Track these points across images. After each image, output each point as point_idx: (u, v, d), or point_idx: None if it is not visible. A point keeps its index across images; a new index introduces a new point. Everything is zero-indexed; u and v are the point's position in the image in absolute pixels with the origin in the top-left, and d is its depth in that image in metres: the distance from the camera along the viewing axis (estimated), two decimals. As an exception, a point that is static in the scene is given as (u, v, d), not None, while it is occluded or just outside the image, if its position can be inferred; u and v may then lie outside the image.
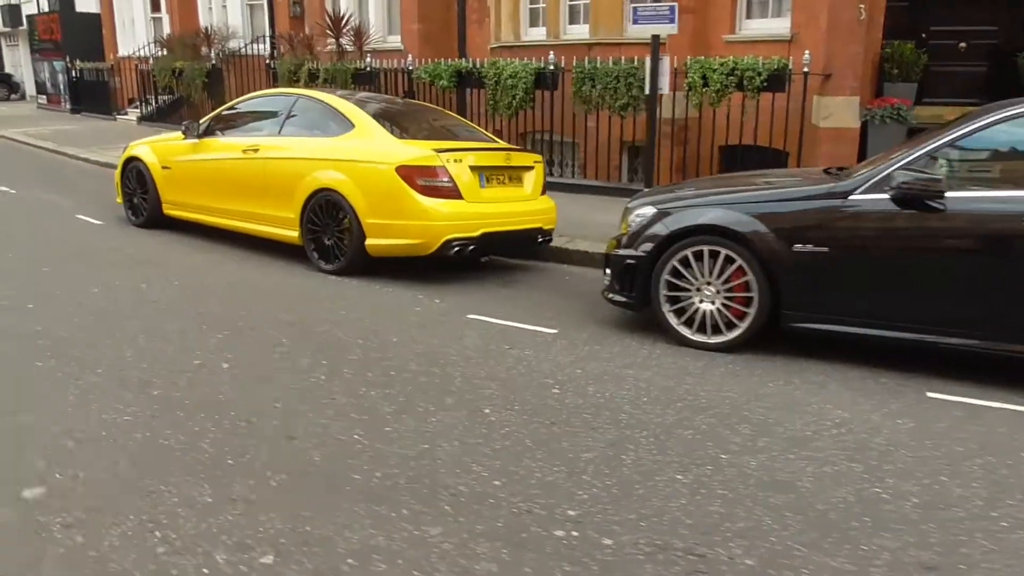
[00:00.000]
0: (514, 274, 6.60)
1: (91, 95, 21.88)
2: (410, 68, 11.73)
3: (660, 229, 4.69)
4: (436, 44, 12.97)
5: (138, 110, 19.55)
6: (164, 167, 7.67)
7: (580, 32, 10.77)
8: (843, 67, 8.21)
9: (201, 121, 7.49)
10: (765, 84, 8.33)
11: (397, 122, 6.56)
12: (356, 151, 6.19)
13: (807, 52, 8.20)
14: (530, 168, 6.62)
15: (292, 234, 6.60)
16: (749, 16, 9.59)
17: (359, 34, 12.97)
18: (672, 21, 6.62)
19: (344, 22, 13.20)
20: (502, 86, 10.11)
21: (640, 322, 5.12)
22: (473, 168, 6.11)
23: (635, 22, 6.78)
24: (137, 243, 7.22)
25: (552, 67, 9.77)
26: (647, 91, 6.92)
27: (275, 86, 14.31)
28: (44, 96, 25.51)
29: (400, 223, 5.97)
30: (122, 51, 22.58)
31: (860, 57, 8.19)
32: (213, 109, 18.73)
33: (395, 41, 13.33)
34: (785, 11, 9.30)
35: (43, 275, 5.93)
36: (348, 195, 6.11)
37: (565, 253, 7.13)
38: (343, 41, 13.28)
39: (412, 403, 3.76)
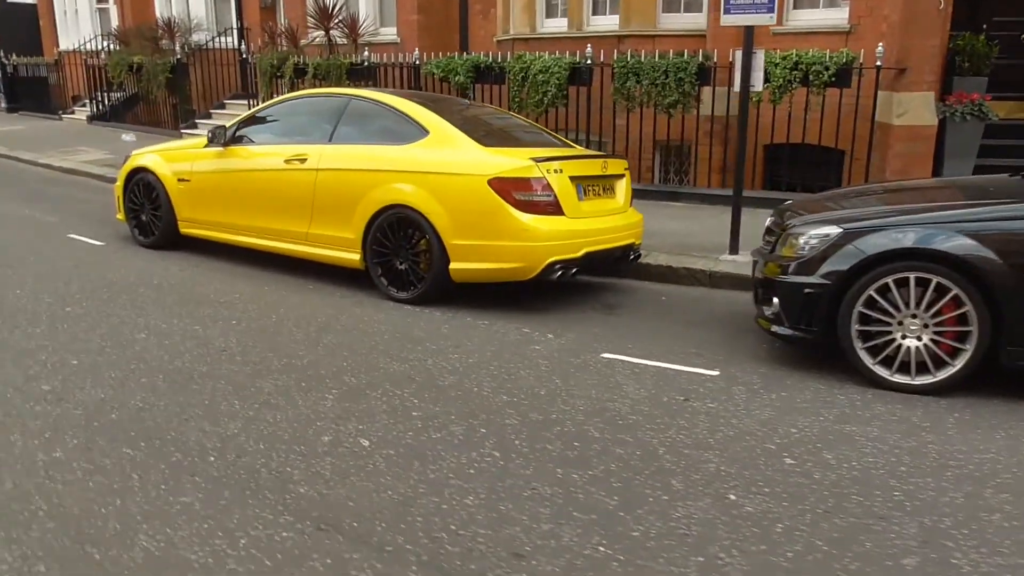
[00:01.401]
0: (601, 296, 5.84)
1: (30, 93, 20.19)
2: (416, 62, 10.82)
3: (851, 253, 4.00)
4: (435, 36, 12.09)
5: (87, 108, 18.02)
6: (181, 179, 6.65)
7: (607, 23, 10.05)
8: (920, 60, 7.68)
9: (228, 126, 6.50)
10: (833, 79, 7.75)
11: (474, 126, 5.71)
12: (436, 161, 5.34)
13: (880, 45, 7.64)
14: (621, 176, 5.87)
15: (351, 257, 5.71)
16: (797, 6, 8.99)
17: (353, 25, 11.97)
18: (771, 11, 5.97)
19: (334, 12, 12.17)
20: (531, 82, 9.31)
21: (810, 358, 4.44)
22: (572, 179, 5.33)
23: (727, 12, 6.11)
24: (159, 269, 6.21)
25: (589, 61, 9.01)
26: (736, 88, 6.27)
27: (253, 81, 13.21)
28: (-27, 94, 23.53)
29: (494, 244, 5.16)
30: (64, 44, 20.89)
31: (937, 50, 7.67)
32: (179, 106, 17.68)
33: (390, 33, 12.37)
34: (840, 1, 8.73)
35: (70, 317, 4.93)
36: (428, 212, 5.27)
37: (644, 268, 6.41)
38: (334, 33, 12.26)
39: (634, 491, 2.99)
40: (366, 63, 11.48)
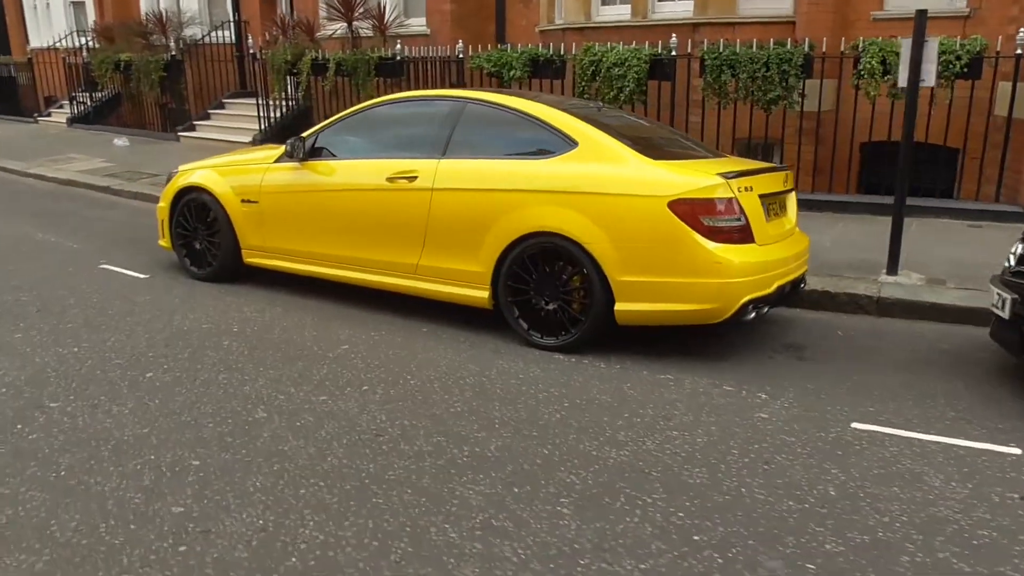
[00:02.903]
0: (768, 334, 4.92)
1: (-1, 95, 18.74)
2: (460, 55, 9.79)
3: None
4: (469, 27, 11.05)
5: (65, 110, 16.62)
6: (245, 200, 5.58)
7: (677, 10, 9.10)
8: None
9: (304, 136, 5.44)
10: (965, 69, 6.92)
11: (623, 134, 4.73)
12: (596, 179, 4.37)
13: (1022, 31, 6.82)
14: (791, 190, 4.96)
15: (477, 294, 4.73)
16: (900, -12, 8.16)
17: (380, 16, 10.88)
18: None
19: (357, 1, 11.05)
20: (603, 76, 8.35)
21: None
22: (760, 197, 4.41)
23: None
24: (231, 311, 5.16)
25: (673, 52, 8.07)
26: (901, 83, 5.41)
27: (263, 79, 12.03)
28: (-66, 96, 21.84)
29: (676, 281, 4.21)
30: (35, 42, 19.44)
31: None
32: (173, 107, 16.28)
33: (418, 24, 11.30)
34: (949, -18, 7.92)
35: (157, 388, 3.88)
36: (586, 242, 4.31)
37: (818, 297, 5.47)
38: (358, 25, 11.16)
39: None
40: (399, 57, 10.41)
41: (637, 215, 4.24)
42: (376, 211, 5.02)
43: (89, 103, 16.11)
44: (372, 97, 10.94)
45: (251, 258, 5.69)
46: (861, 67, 7.24)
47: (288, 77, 11.74)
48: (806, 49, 7.57)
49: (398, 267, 5.02)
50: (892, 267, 5.73)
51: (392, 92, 10.84)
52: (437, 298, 4.95)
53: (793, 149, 8.36)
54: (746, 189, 4.30)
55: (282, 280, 5.71)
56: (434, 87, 10.23)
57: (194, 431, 3.42)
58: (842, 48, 7.54)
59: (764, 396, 3.92)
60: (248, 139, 12.52)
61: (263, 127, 12.38)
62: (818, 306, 5.47)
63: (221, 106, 14.18)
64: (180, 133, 13.80)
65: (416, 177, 4.86)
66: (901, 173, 5.60)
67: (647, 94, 8.28)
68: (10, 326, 4.79)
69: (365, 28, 11.15)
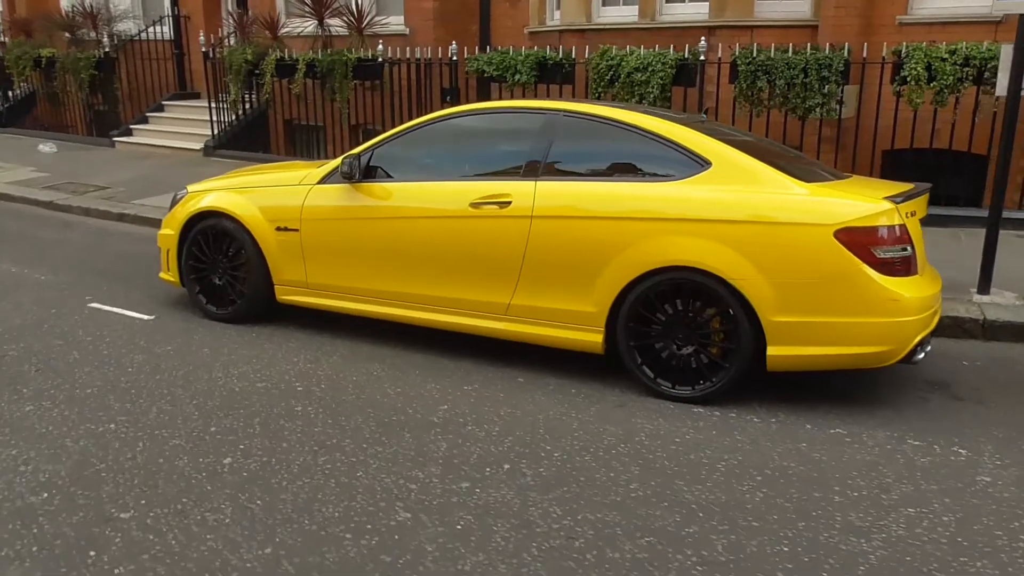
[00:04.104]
0: (894, 368, 4.41)
1: None
2: (453, 57, 9.05)
3: None
4: (451, 27, 10.31)
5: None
6: (281, 228, 4.74)
7: (689, 12, 8.63)
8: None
9: (358, 153, 4.63)
10: None
11: (756, 154, 4.12)
12: (741, 205, 3.77)
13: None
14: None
15: (588, 338, 4.07)
16: (925, -10, 7.91)
17: (359, 14, 9.99)
18: (1067, -5, 4.79)
19: (329, -2, 10.14)
20: (623, 82, 7.78)
21: None
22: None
23: (1005, -6, 4.87)
24: (280, 363, 4.32)
25: (702, 56, 7.57)
26: (999, 92, 5.04)
27: (216, 79, 10.94)
28: None
29: (843, 321, 3.66)
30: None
31: None
32: (103, 109, 14.67)
33: (397, 23, 10.46)
34: (982, -16, 7.70)
35: (245, 481, 3.06)
36: (734, 277, 3.71)
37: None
38: (330, 23, 10.24)
39: None
40: (380, 58, 9.57)
41: (797, 246, 3.67)
42: (456, 242, 4.28)
43: (2, 103, 14.48)
44: (348, 101, 10.16)
45: (288, 295, 4.84)
46: (905, 73, 6.90)
47: (250, 78, 10.70)
48: (845, 55, 7.20)
49: (483, 307, 4.29)
50: (984, 286, 5.37)
51: (372, 96, 10.20)
52: (533, 342, 4.26)
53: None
54: (910, 214, 3.80)
55: (316, 320, 4.90)
56: (422, 93, 9.46)
57: (334, 548, 2.65)
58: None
59: (964, 452, 3.42)
60: (198, 146, 11.41)
61: (216, 132, 11.29)
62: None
63: (160, 108, 12.93)
64: (116, 138, 12.47)
65: (509, 202, 4.15)
66: (998, 183, 5.24)
67: (671, 101, 7.76)
68: (12, 395, 3.84)
69: (338, 26, 10.24)
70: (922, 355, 3.82)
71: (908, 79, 6.91)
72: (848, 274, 3.62)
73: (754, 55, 7.34)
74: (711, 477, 3.18)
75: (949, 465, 3.30)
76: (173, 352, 4.45)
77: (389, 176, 4.59)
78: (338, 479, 3.10)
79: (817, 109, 7.24)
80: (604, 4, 9.23)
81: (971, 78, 6.79)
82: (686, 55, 7.65)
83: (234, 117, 11.35)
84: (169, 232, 5.13)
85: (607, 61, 7.90)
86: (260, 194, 4.87)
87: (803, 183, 3.82)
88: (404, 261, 4.45)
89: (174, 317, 5.05)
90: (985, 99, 6.88)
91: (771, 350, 3.75)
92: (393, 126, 10.05)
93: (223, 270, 4.98)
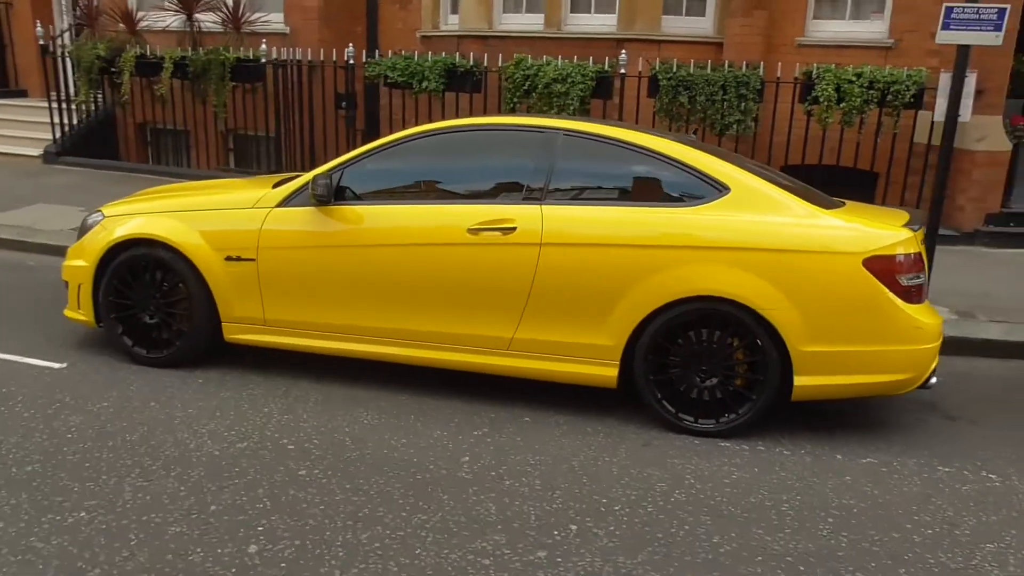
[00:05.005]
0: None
1: None
2: (350, 60, 8.47)
3: None
4: (334, 27, 9.68)
5: None
6: (232, 257, 4.11)
7: (596, 24, 8.57)
8: (1000, 81, 7.32)
9: (328, 171, 4.09)
10: (913, 100, 7.12)
11: (769, 179, 4.01)
12: (768, 232, 3.65)
13: (962, 64, 7.13)
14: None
15: (602, 372, 3.83)
16: (819, 15, 8.27)
17: (236, 10, 9.13)
18: (999, 29, 5.05)
19: (201, -10, 9.21)
20: (541, 93, 7.58)
21: None
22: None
23: (945, 27, 5.06)
24: (248, 416, 3.73)
25: (622, 69, 7.52)
26: (937, 117, 5.27)
27: (58, 75, 9.65)
28: None
29: (871, 350, 3.64)
30: None
31: (1008, 71, 7.36)
32: None
33: (276, 21, 9.66)
34: (867, 13, 8.15)
35: (279, 567, 2.55)
36: (764, 307, 3.60)
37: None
38: (201, 18, 9.30)
39: None
40: (262, 59, 8.80)
41: (827, 275, 3.61)
42: (451, 272, 3.89)
43: None
44: (225, 104, 9.26)
45: (238, 334, 4.22)
46: (817, 93, 7.19)
47: (104, 77, 9.52)
48: (760, 73, 7.39)
49: (482, 341, 3.93)
50: (919, 301, 5.64)
51: (253, 100, 9.33)
52: (538, 378, 3.95)
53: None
54: (922, 242, 3.86)
55: (265, 360, 4.33)
56: (314, 97, 8.79)
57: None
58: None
59: (994, 477, 3.49)
60: (36, 151, 10.04)
61: (59, 136, 9.97)
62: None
63: (-27, 110, 11.26)
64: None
65: (514, 228, 3.81)
66: (935, 203, 5.52)
67: (590, 113, 7.65)
68: (-76, 482, 3.03)
69: (210, 22, 9.32)
70: (934, 380, 3.88)
71: (820, 99, 7.19)
72: (876, 302, 3.60)
73: (675, 70, 7.37)
74: (784, 522, 3.03)
75: (991, 492, 3.35)
76: (113, 409, 3.73)
77: (358, 198, 4.10)
78: (397, 560, 2.66)
79: (735, 125, 7.37)
80: (505, 11, 8.99)
81: (875, 100, 7.17)
82: (606, 67, 7.57)
83: (78, 120, 10.08)
84: (81, 263, 4.33)
85: (523, 71, 7.67)
86: (202, 218, 4.21)
87: (823, 210, 3.77)
88: (387, 294, 3.98)
89: (93, 364, 4.27)
90: (887, 120, 7.28)
91: (798, 380, 3.67)
92: (276, 131, 9.51)
93: (156, 307, 4.27)
